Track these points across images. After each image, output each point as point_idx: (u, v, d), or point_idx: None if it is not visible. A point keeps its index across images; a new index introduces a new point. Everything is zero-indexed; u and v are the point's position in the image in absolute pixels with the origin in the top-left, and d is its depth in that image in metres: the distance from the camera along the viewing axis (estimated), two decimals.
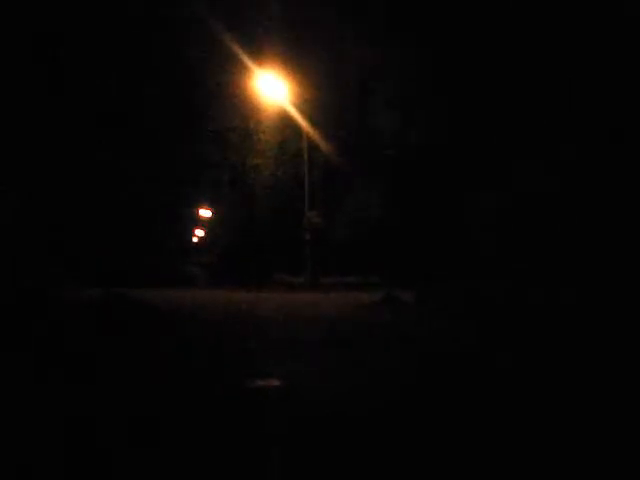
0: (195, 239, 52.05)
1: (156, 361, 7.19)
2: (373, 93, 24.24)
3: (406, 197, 21.69)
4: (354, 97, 24.78)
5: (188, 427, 4.30)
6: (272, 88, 24.11)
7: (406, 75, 21.39)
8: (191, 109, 23.91)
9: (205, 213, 41.99)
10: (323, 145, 25.12)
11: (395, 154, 22.70)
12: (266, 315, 13.31)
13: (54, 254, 16.61)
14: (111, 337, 9.45)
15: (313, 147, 25.63)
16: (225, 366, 6.71)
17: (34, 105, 17.09)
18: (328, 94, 24.73)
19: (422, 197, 20.66)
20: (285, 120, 25.54)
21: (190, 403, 5.04)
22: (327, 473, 3.34)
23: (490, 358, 6.72)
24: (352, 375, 6.05)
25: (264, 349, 7.86)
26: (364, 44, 22.83)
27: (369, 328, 9.97)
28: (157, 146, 23.85)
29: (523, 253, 13.82)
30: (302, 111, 24.54)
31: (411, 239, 20.45)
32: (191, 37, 21.61)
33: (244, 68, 22.61)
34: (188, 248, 49.94)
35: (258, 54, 22.64)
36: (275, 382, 5.82)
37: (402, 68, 21.53)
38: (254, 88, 24.23)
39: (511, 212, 15.06)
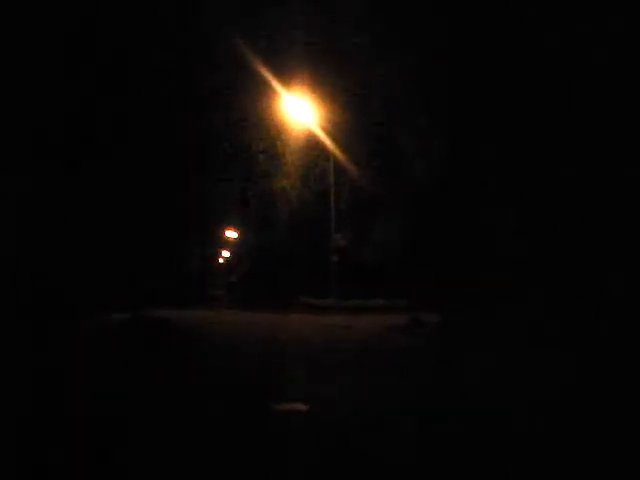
0: (221, 260, 52.29)
1: (184, 381, 7.21)
2: (397, 121, 24.21)
3: (432, 221, 21.58)
4: (380, 123, 24.80)
5: (213, 448, 4.31)
6: (299, 110, 24.27)
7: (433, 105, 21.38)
8: (218, 131, 24.09)
9: (231, 234, 42.19)
10: (349, 167, 25.18)
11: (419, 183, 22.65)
12: (292, 338, 13.28)
13: (83, 278, 16.68)
14: (141, 359, 9.50)
15: (339, 169, 25.69)
16: (252, 388, 6.70)
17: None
18: (355, 119, 24.81)
19: (448, 221, 20.54)
20: (312, 142, 25.67)
21: (216, 425, 5.04)
22: None
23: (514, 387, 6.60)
24: (378, 403, 6.00)
25: (290, 372, 7.84)
26: (393, 72, 22.88)
27: (396, 353, 9.88)
28: (183, 166, 24.03)
29: (547, 274, 13.61)
30: (329, 133, 24.66)
31: (436, 263, 20.28)
32: (218, 59, 21.83)
33: (271, 91, 22.78)
34: (215, 269, 50.24)
35: (285, 76, 22.80)
36: (301, 406, 5.79)
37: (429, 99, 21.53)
38: (281, 110, 24.41)
39: (533, 231, 14.91)
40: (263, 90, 23.00)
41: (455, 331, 12.38)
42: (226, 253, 49.49)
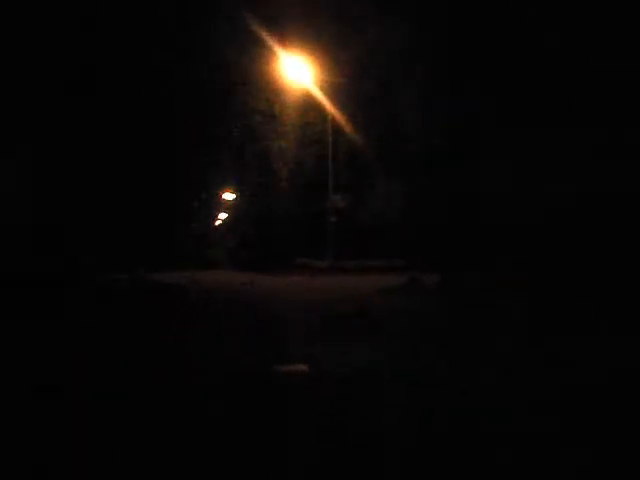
0: (218, 222, 52.23)
1: (181, 344, 7.23)
2: (400, 86, 23.94)
3: (431, 185, 21.50)
4: (381, 87, 24.51)
5: (212, 412, 4.31)
6: (297, 71, 23.94)
7: (434, 71, 21.14)
8: (215, 92, 23.83)
9: (228, 196, 42.01)
10: (348, 129, 24.97)
11: (418, 148, 22.49)
12: (289, 300, 13.31)
13: (81, 240, 16.68)
14: (138, 319, 9.52)
15: (337, 131, 25.48)
16: (252, 350, 6.71)
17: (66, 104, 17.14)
18: (355, 82, 24.53)
19: (446, 185, 20.47)
20: (309, 103, 25.40)
21: (216, 387, 5.05)
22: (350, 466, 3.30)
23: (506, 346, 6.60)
24: (377, 365, 6.01)
25: (288, 334, 7.86)
26: (395, 36, 22.58)
27: (393, 315, 9.89)
28: (182, 129, 23.83)
29: (548, 244, 13.61)
30: (327, 95, 24.38)
31: (437, 225, 20.28)
32: (217, 19, 21.51)
33: (269, 51, 22.46)
34: (211, 231, 50.23)
35: (283, 37, 22.45)
36: (303, 367, 5.80)
37: (431, 61, 21.27)
38: (278, 71, 24.08)
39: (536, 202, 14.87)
40: (261, 51, 22.71)
41: (454, 291, 12.42)
42: (223, 215, 49.38)
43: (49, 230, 14.53)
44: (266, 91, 25.18)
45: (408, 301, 11.96)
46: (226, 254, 44.89)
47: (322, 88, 24.31)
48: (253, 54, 23.00)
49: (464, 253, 15.60)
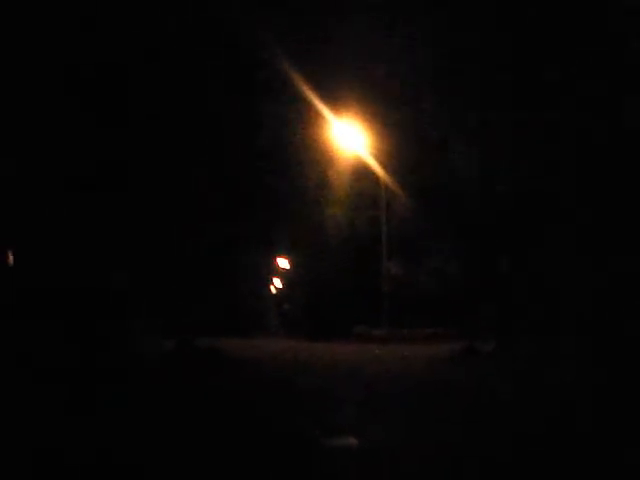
0: (273, 290, 52.29)
1: (232, 413, 6.99)
2: (452, 149, 23.84)
3: (486, 251, 21.00)
4: (433, 151, 24.44)
5: None
6: (349, 138, 24.12)
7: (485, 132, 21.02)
8: (267, 159, 24.11)
9: (283, 263, 42.12)
10: (400, 195, 24.85)
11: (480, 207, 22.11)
12: (347, 369, 12.95)
13: (137, 304, 16.70)
14: (190, 388, 9.32)
15: (391, 197, 25.39)
16: (303, 421, 6.42)
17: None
18: (407, 147, 24.53)
19: (502, 250, 19.98)
20: (362, 171, 25.47)
21: (265, 458, 4.80)
22: None
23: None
24: (435, 438, 5.64)
25: (343, 405, 7.54)
26: (443, 99, 22.65)
27: (452, 385, 9.44)
28: (237, 197, 24.11)
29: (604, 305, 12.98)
30: (380, 162, 24.42)
31: (492, 292, 19.72)
32: (269, 87, 21.92)
33: (321, 118, 22.72)
34: (267, 299, 50.26)
35: (335, 104, 22.69)
36: (353, 441, 5.48)
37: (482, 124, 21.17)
38: (331, 138, 24.31)
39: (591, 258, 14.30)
40: (313, 117, 22.99)
41: (510, 358, 11.88)
42: (278, 282, 49.46)
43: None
44: (318, 159, 25.37)
45: (465, 371, 11.47)
46: (281, 321, 44.75)
47: (374, 155, 24.36)
48: (306, 122, 23.29)
49: (520, 317, 15.03)
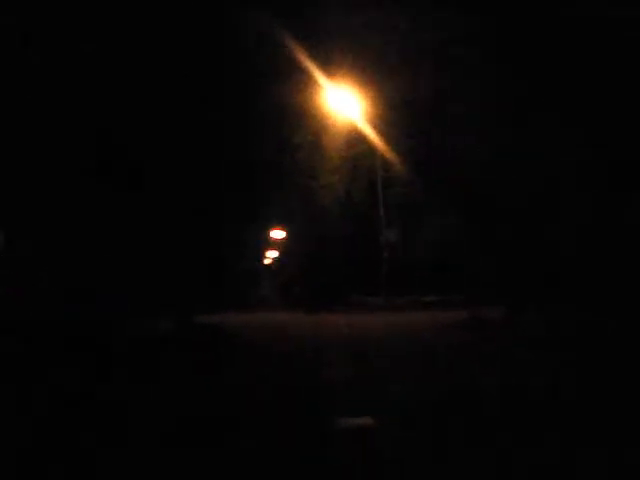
0: (267, 261, 52.03)
1: (235, 396, 6.62)
2: (447, 113, 23.34)
3: (486, 214, 20.56)
4: (428, 115, 23.91)
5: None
6: (344, 104, 23.54)
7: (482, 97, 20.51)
8: (260, 125, 23.52)
9: (277, 234, 41.71)
10: (397, 162, 24.36)
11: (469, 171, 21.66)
12: (346, 340, 12.61)
13: (121, 280, 16.19)
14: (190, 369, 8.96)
15: (387, 164, 24.92)
16: (311, 402, 6.06)
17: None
18: (402, 112, 23.98)
19: (504, 212, 19.55)
20: (357, 137, 24.94)
21: (274, 443, 4.47)
22: None
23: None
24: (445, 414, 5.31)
25: (347, 382, 7.19)
26: (441, 64, 22.11)
27: (457, 356, 9.09)
28: (228, 164, 23.54)
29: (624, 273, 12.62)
30: (375, 128, 23.88)
31: (496, 256, 19.33)
32: (261, 49, 21.26)
33: (315, 83, 22.10)
34: (260, 270, 49.98)
35: (329, 69, 22.07)
36: (369, 421, 5.14)
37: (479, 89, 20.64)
38: (325, 104, 23.74)
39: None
40: (307, 82, 22.35)
41: (523, 329, 11.50)
42: (273, 253, 49.16)
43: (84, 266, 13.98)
44: (312, 125, 24.84)
45: (471, 339, 11.11)
46: (277, 293, 44.54)
47: (370, 121, 23.82)
48: (299, 86, 22.69)
49: (531, 285, 14.64)
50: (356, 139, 25.14)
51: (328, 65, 21.85)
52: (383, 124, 24.11)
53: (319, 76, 21.45)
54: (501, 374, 7.05)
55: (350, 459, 4.03)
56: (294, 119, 24.08)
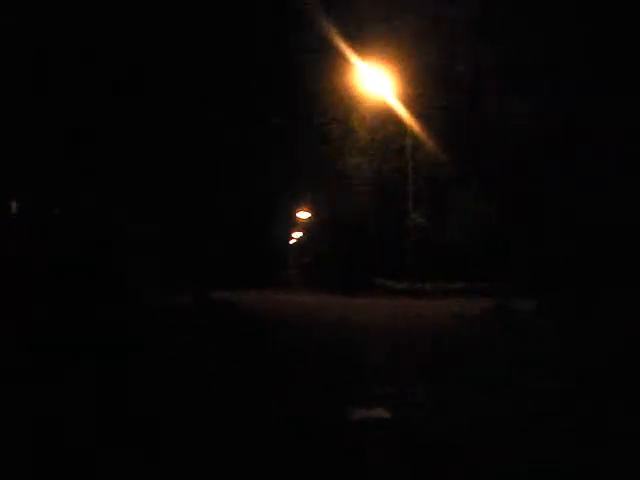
0: (293, 241, 51.70)
1: (247, 379, 6.23)
2: (483, 92, 22.62)
3: (524, 200, 19.70)
4: (464, 95, 23.18)
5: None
6: (375, 83, 22.82)
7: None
8: (290, 105, 23.12)
9: (303, 214, 41.22)
10: (429, 143, 23.60)
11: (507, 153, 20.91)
12: (366, 327, 12.08)
13: (152, 256, 15.95)
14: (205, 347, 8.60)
15: (418, 145, 24.19)
16: (325, 390, 5.64)
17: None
18: (436, 91, 23.27)
19: (543, 199, 18.75)
20: (388, 116, 24.24)
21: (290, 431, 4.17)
22: None
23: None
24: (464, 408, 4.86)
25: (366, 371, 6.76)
26: (477, 42, 21.43)
27: (481, 350, 8.48)
28: (255, 145, 23.21)
29: None
30: (407, 107, 23.14)
31: (530, 244, 18.59)
32: (291, 29, 20.86)
33: (346, 62, 21.46)
34: (286, 250, 49.71)
35: (361, 48, 21.43)
36: (384, 413, 4.70)
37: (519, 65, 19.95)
38: (356, 83, 23.07)
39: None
40: (337, 61, 21.81)
41: (553, 320, 10.86)
42: (298, 234, 48.76)
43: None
44: (343, 102, 24.26)
45: (497, 334, 10.35)
46: (300, 273, 44.22)
47: (401, 100, 23.09)
48: (330, 65, 22.15)
49: (562, 275, 13.94)
50: (387, 119, 24.48)
51: (361, 44, 21.26)
52: (416, 104, 23.41)
53: (351, 55, 20.78)
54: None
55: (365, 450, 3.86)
56: (325, 98, 23.61)
